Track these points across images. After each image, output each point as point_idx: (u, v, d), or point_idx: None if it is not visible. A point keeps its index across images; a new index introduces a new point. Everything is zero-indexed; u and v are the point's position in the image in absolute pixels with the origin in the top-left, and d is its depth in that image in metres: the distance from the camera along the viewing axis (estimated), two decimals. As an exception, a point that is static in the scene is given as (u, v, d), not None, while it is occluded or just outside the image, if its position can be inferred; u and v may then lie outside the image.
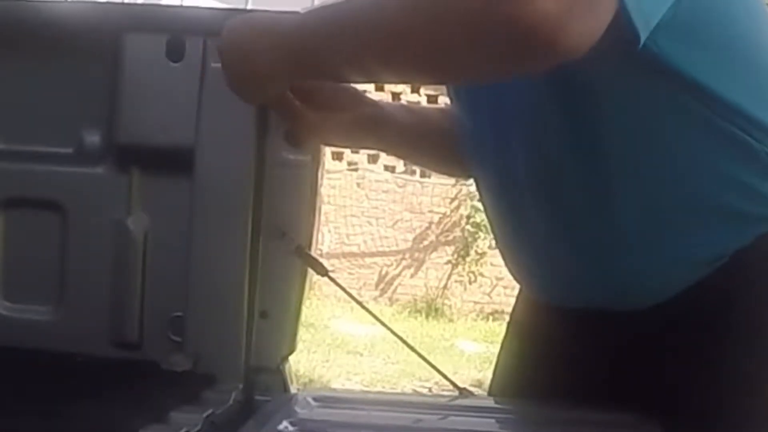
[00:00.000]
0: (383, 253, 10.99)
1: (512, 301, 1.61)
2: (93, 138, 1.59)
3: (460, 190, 10.61)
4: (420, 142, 1.58)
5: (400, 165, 10.83)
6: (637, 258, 1.29)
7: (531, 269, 1.44)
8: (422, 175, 10.69)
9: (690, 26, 1.19)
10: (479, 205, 10.09)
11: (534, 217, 1.35)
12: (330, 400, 1.37)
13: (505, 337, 1.59)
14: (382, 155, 9.96)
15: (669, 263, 1.28)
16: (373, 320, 1.55)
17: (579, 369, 1.36)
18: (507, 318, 1.64)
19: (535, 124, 1.30)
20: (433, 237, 10.96)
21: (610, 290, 1.32)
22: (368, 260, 10.98)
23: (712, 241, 1.28)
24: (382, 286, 10.92)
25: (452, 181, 9.76)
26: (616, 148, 1.26)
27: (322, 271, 1.52)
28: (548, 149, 1.30)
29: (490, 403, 1.52)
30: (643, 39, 1.10)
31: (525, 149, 1.33)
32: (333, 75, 1.27)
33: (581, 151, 1.27)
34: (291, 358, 1.57)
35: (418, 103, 11.07)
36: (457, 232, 10.82)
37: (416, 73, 1.23)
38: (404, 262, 10.94)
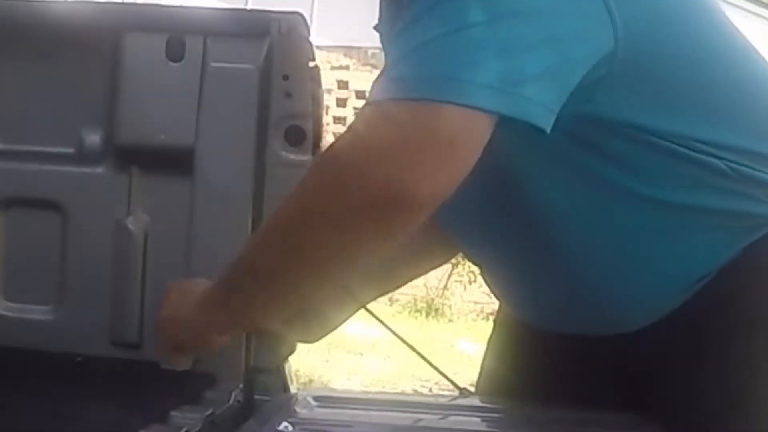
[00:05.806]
0: (383, 253, 10.97)
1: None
2: (93, 138, 1.59)
3: (460, 190, 10.61)
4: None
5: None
6: (616, 293, 1.29)
7: (514, 303, 1.44)
8: (422, 175, 10.66)
9: (631, 74, 1.16)
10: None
11: (512, 256, 1.35)
12: (330, 400, 1.37)
13: (491, 336, 1.58)
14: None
15: (647, 294, 1.29)
16: (373, 320, 1.54)
17: (571, 379, 1.37)
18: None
19: (503, 180, 1.27)
20: (433, 237, 10.95)
21: (593, 321, 1.33)
22: (368, 260, 10.97)
23: (685, 272, 1.28)
24: (382, 286, 10.91)
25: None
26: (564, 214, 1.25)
27: (322, 272, 1.51)
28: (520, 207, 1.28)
29: (491, 403, 1.52)
30: (548, 126, 1.08)
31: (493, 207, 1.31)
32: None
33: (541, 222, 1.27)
34: (291, 358, 1.57)
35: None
36: (457, 232, 10.80)
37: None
38: (404, 262, 10.93)
